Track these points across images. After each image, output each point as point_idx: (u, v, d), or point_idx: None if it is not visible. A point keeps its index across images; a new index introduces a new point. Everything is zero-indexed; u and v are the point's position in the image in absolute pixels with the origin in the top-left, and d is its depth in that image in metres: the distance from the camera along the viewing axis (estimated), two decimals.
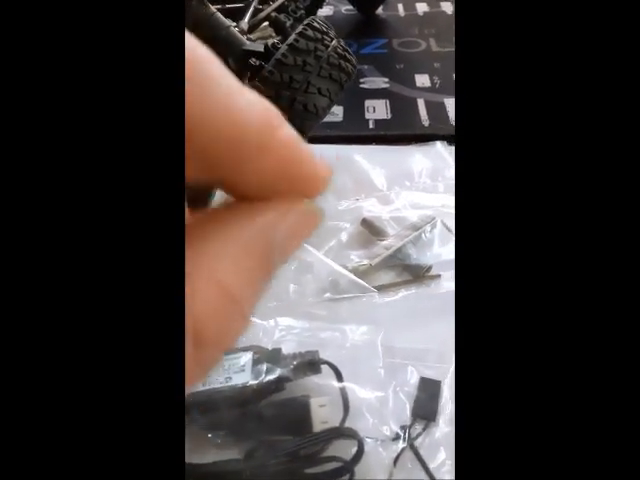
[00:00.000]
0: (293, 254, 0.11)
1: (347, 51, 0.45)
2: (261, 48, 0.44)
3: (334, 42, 0.44)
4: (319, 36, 0.42)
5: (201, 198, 0.46)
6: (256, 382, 0.33)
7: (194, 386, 0.11)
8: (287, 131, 0.10)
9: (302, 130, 0.42)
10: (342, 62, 0.43)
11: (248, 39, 0.47)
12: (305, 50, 0.41)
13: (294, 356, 0.35)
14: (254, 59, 0.45)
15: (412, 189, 0.53)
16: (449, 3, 0.93)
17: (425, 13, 0.91)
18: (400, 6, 0.94)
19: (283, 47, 0.41)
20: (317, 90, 0.41)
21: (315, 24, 0.43)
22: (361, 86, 0.72)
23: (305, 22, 0.43)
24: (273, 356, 0.35)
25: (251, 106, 0.10)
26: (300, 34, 0.41)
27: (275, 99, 0.40)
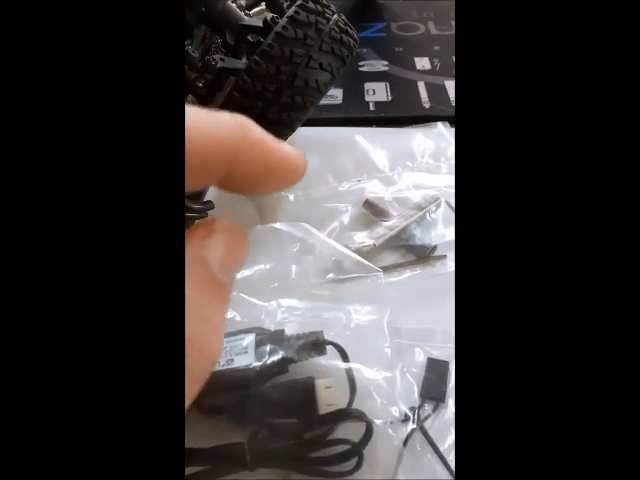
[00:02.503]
0: (236, 271, 0.12)
1: (348, 25, 0.44)
2: (259, 23, 0.43)
3: (335, 16, 0.42)
4: (320, 9, 0.41)
5: (195, 195, 0.45)
6: (259, 364, 0.32)
7: None
8: (258, 133, 0.13)
9: (304, 106, 0.41)
10: (344, 36, 0.42)
11: (246, 15, 0.45)
12: (306, 23, 0.39)
13: (298, 337, 0.33)
14: (252, 35, 0.44)
15: (414, 170, 0.51)
16: None
17: None
18: None
19: (283, 20, 0.39)
20: (319, 65, 0.40)
21: None
22: (360, 69, 0.70)
23: None
24: (276, 337, 0.34)
25: (221, 122, 0.12)
26: (301, 6, 0.40)
27: (275, 75, 0.39)
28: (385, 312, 0.35)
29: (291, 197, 0.49)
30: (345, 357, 0.32)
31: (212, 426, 0.31)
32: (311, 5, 0.40)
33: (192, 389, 0.10)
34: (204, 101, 0.46)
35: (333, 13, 0.42)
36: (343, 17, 0.44)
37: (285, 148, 0.13)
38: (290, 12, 0.40)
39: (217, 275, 0.12)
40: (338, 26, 0.42)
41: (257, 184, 0.13)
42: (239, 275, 0.43)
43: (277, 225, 0.42)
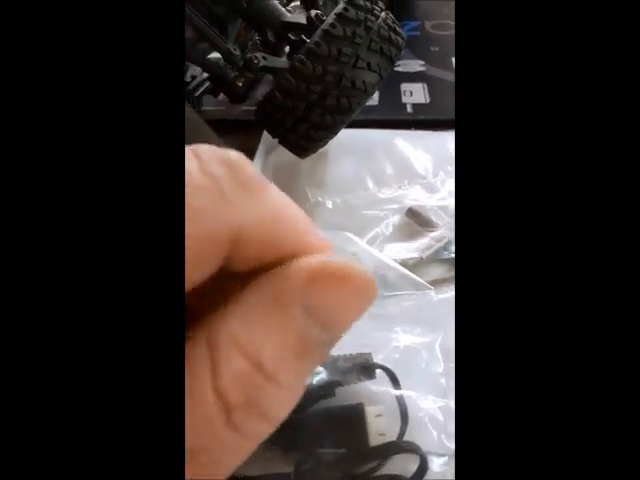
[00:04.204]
0: (342, 331, 0.10)
1: (396, 23, 0.41)
2: (303, 20, 0.41)
3: (383, 13, 0.40)
4: (369, 5, 0.38)
5: None
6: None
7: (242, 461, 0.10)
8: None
9: (349, 109, 0.38)
10: (392, 34, 0.39)
11: (287, 10, 0.43)
12: (355, 20, 0.37)
13: (345, 358, 0.31)
14: (293, 33, 0.41)
15: None
16: None
17: None
18: None
19: (331, 16, 0.37)
20: (367, 65, 0.37)
21: None
22: (396, 69, 0.67)
23: None
24: None
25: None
26: (349, 2, 0.37)
27: (322, 75, 0.36)
28: (438, 334, 0.32)
29: (329, 204, 0.47)
30: (396, 382, 0.30)
31: (255, 453, 0.29)
32: (360, 1, 0.38)
33: (248, 448, 0.09)
34: (238, 101, 0.44)
35: (381, 10, 0.40)
36: (391, 14, 0.41)
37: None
38: (338, 9, 0.37)
39: (317, 334, 0.10)
40: (387, 24, 0.39)
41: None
42: None
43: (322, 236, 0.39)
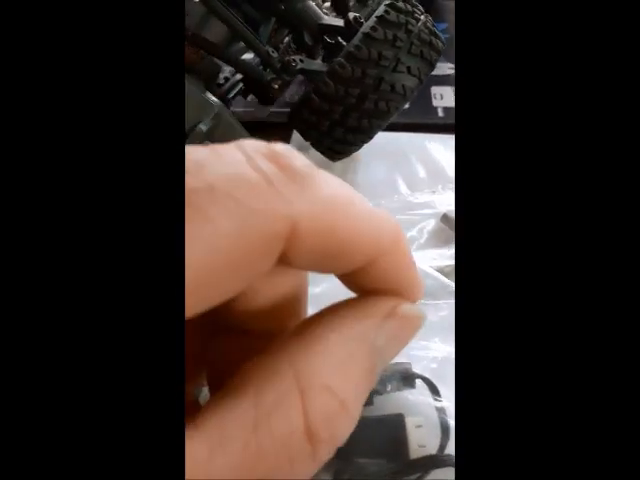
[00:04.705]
0: (393, 357, 0.12)
1: (435, 27, 0.40)
2: (341, 23, 0.40)
3: (423, 16, 0.39)
4: (410, 8, 0.38)
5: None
6: None
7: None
8: (405, 243, 0.11)
9: (387, 112, 0.38)
10: (433, 38, 0.39)
11: (325, 13, 0.43)
12: (396, 23, 0.36)
13: (385, 367, 0.31)
14: (329, 35, 0.41)
15: None
16: None
17: None
18: None
19: (372, 19, 0.37)
20: (407, 69, 0.37)
21: None
22: None
23: None
24: None
25: (387, 222, 0.11)
26: (390, 5, 0.37)
27: (361, 78, 0.36)
28: None
29: None
30: (436, 393, 0.30)
31: None
32: (401, 4, 0.37)
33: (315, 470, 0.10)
34: (268, 103, 0.44)
35: (421, 13, 0.39)
36: (430, 18, 0.41)
37: (415, 266, 0.12)
38: (380, 11, 0.37)
39: (379, 367, 0.11)
40: (427, 27, 0.39)
41: (383, 287, 0.12)
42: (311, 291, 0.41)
43: None
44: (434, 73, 0.67)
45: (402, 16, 0.37)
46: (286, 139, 0.55)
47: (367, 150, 0.50)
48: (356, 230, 0.10)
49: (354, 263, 0.11)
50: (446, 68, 0.67)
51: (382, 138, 0.53)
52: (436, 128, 0.56)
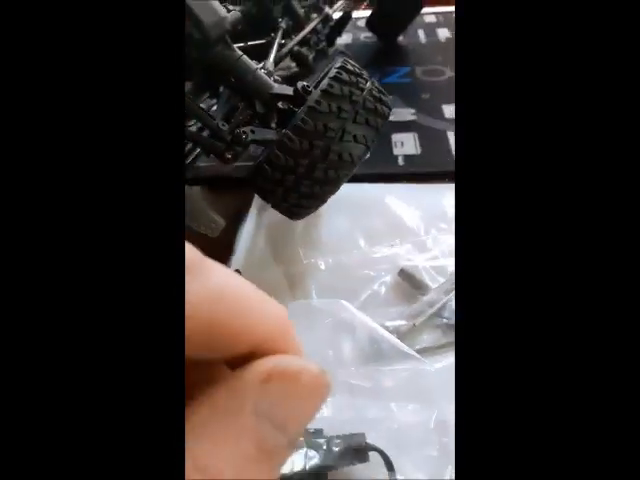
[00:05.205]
0: (300, 420, 0.10)
1: (382, 92, 0.42)
2: (290, 91, 0.42)
3: (368, 84, 0.41)
4: (354, 79, 0.39)
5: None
6: (298, 470, 0.30)
7: None
8: (291, 330, 0.11)
9: (337, 179, 0.39)
10: (378, 105, 0.40)
11: (275, 81, 0.44)
12: (340, 95, 0.38)
13: (338, 438, 0.31)
14: (282, 103, 0.42)
15: (449, 233, 0.49)
16: None
17: (447, 39, 0.89)
18: (421, 32, 0.91)
19: (316, 93, 0.38)
20: (353, 138, 0.38)
21: (349, 66, 0.40)
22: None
23: (338, 65, 0.40)
24: (315, 438, 0.31)
25: (274, 309, 0.11)
26: (334, 78, 0.39)
27: (309, 149, 0.37)
28: (432, 411, 0.32)
29: (322, 265, 0.47)
30: (390, 466, 0.30)
31: None
32: (345, 77, 0.39)
33: None
34: (229, 162, 0.45)
35: (366, 81, 0.41)
36: (376, 84, 0.42)
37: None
38: (324, 85, 0.38)
39: (274, 437, 0.10)
40: (372, 95, 0.40)
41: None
42: None
43: (313, 302, 0.40)
44: (395, 119, 0.69)
45: (346, 88, 0.38)
46: (250, 194, 0.56)
47: (329, 204, 0.52)
48: (241, 319, 0.10)
49: (239, 348, 0.10)
50: (407, 114, 0.70)
51: (344, 190, 0.54)
52: (397, 178, 0.58)
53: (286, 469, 0.30)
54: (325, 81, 0.38)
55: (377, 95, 0.41)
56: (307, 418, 0.11)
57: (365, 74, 0.42)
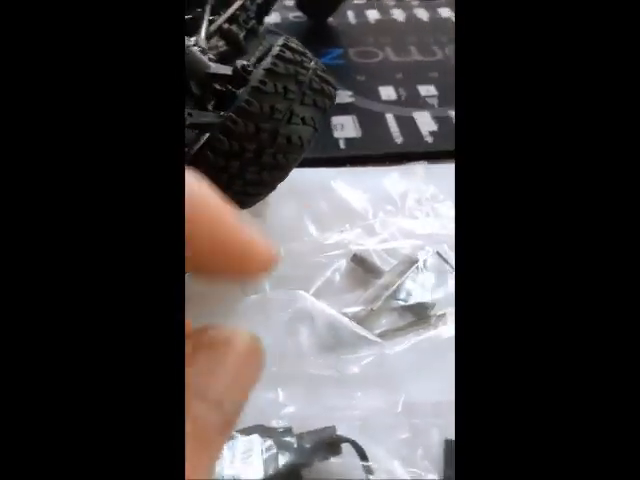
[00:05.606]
0: (236, 409, 0.10)
1: (326, 72, 0.41)
2: (229, 71, 0.39)
3: (313, 63, 0.39)
4: (298, 58, 0.38)
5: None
6: (270, 473, 0.28)
7: None
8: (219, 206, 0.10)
9: (287, 165, 0.37)
10: (324, 85, 0.39)
11: (210, 59, 0.41)
12: (285, 75, 0.36)
13: (309, 434, 0.30)
14: (220, 84, 0.40)
15: (397, 215, 0.49)
16: (400, 10, 0.91)
17: (377, 21, 0.89)
18: (350, 13, 0.90)
19: (259, 72, 0.36)
20: (301, 120, 0.36)
21: (292, 44, 0.38)
22: None
23: (280, 42, 0.38)
24: (284, 438, 0.30)
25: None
26: (278, 57, 0.36)
27: (255, 133, 0.35)
28: (400, 395, 0.32)
29: None
30: (363, 456, 0.29)
31: None
32: (289, 55, 0.37)
33: None
34: None
35: (310, 60, 0.39)
36: (320, 63, 0.41)
37: (252, 232, 0.11)
38: (267, 63, 0.36)
39: (218, 408, 0.09)
40: (318, 75, 0.39)
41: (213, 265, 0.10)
42: None
43: (267, 295, 0.38)
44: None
45: (291, 67, 0.36)
46: None
47: (275, 192, 0.50)
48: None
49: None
50: (345, 96, 0.69)
51: (289, 177, 0.53)
52: (339, 161, 0.57)
53: (258, 474, 0.28)
54: (268, 59, 0.36)
55: (322, 75, 0.39)
56: (244, 391, 0.10)
57: (309, 53, 0.40)
